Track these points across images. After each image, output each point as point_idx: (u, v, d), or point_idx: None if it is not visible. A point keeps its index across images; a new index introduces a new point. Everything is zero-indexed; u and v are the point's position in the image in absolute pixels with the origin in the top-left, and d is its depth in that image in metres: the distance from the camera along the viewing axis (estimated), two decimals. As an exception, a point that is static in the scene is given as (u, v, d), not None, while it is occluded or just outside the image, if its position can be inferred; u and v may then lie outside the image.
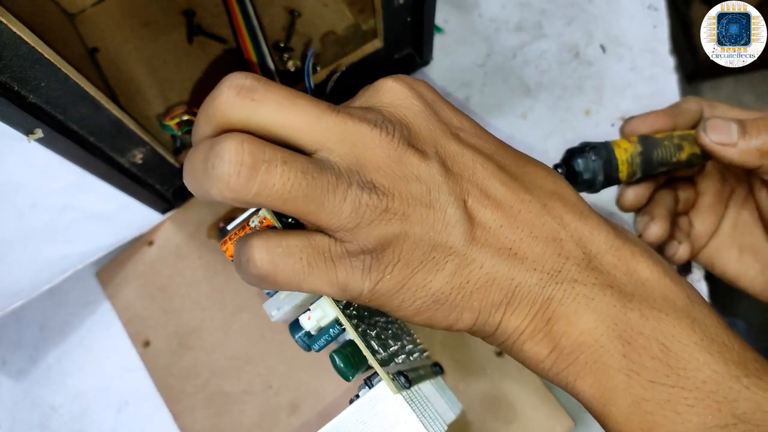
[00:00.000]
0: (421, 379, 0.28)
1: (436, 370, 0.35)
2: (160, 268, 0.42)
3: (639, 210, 0.37)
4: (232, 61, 0.42)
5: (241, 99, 0.21)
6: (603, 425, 0.24)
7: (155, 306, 0.42)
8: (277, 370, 0.40)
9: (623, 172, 0.32)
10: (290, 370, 0.40)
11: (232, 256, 0.25)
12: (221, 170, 0.20)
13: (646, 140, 0.33)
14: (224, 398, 0.40)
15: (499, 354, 0.38)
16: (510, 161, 0.25)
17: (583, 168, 0.32)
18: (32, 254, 0.40)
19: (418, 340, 0.35)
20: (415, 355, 0.32)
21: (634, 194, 0.35)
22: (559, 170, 0.33)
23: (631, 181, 0.34)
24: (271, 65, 0.37)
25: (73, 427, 0.41)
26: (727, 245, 0.38)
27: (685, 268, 0.42)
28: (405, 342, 0.32)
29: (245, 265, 0.21)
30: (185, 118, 0.37)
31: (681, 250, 0.36)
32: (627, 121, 0.35)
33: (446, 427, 0.28)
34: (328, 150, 0.21)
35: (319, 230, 0.22)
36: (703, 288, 0.42)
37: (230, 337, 0.41)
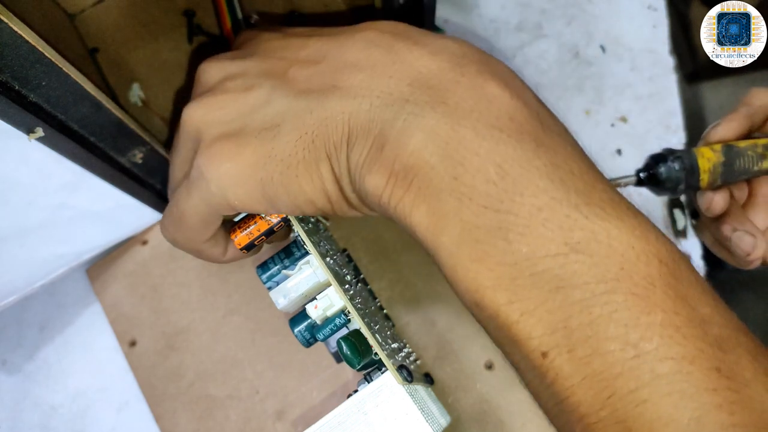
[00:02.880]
0: (416, 380, 0.28)
1: (428, 380, 0.35)
2: (152, 267, 0.42)
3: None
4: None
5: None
6: (436, 261, 0.21)
7: (144, 305, 0.41)
8: (265, 376, 0.39)
9: (704, 180, 0.33)
10: (279, 376, 0.39)
11: (240, 245, 0.26)
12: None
13: (729, 150, 0.33)
14: (208, 402, 0.39)
15: (489, 368, 0.37)
16: (336, 32, 0.26)
17: (666, 176, 0.32)
18: (28, 252, 0.40)
19: (411, 350, 0.35)
20: (412, 358, 0.32)
21: (722, 199, 0.33)
22: (641, 175, 0.33)
23: (709, 188, 0.34)
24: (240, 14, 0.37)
25: (73, 427, 0.40)
26: None
27: None
28: (401, 345, 0.32)
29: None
30: None
31: (758, 244, 0.33)
32: (710, 129, 0.34)
33: (441, 430, 0.28)
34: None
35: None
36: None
37: (219, 340, 0.40)
